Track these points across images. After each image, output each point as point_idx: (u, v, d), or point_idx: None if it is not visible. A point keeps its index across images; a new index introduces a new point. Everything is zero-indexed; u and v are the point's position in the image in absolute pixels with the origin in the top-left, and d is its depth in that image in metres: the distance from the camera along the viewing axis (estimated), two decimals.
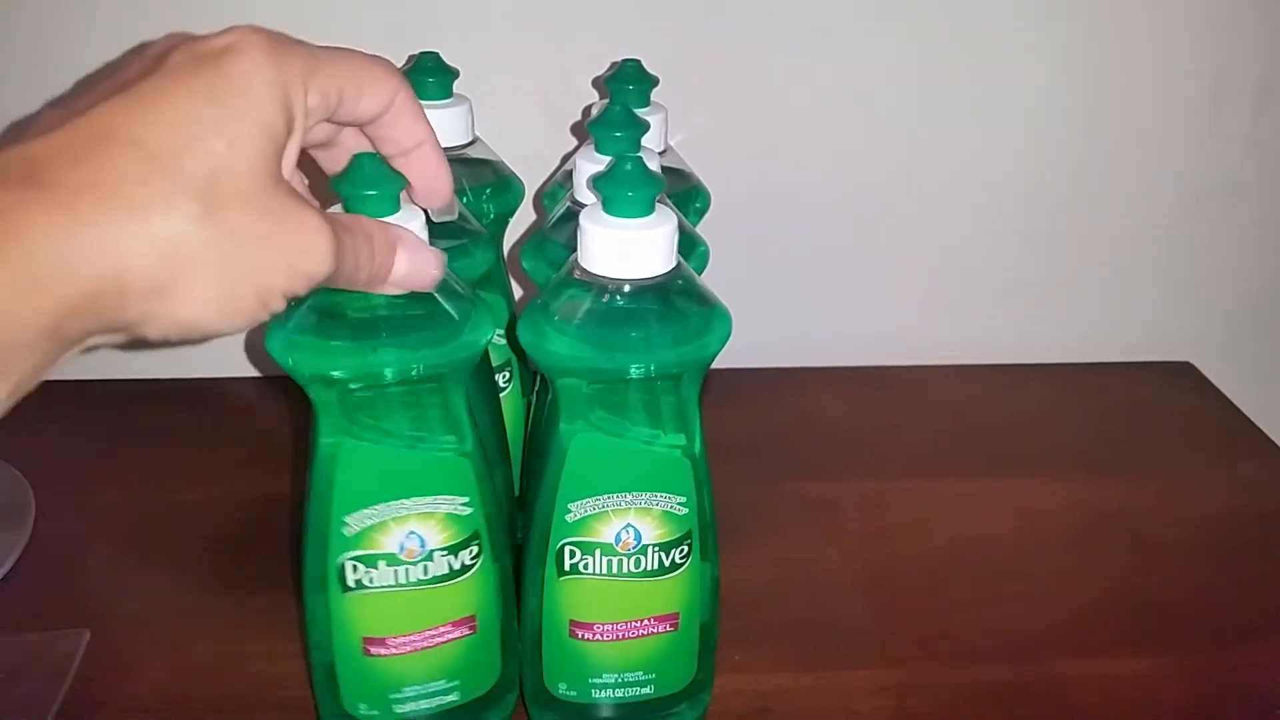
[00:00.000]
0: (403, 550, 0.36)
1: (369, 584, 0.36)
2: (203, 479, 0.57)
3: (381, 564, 0.36)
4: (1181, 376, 0.70)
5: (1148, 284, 0.71)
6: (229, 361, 0.66)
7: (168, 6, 0.54)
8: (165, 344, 0.26)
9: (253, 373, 0.67)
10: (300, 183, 0.31)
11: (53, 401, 0.62)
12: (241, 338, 0.65)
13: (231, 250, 0.25)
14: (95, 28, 0.56)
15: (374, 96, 0.30)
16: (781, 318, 0.67)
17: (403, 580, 0.36)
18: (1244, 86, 0.65)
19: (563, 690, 0.40)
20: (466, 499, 0.36)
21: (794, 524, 0.55)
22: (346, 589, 0.36)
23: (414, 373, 0.34)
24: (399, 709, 0.39)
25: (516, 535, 0.48)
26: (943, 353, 0.70)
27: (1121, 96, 0.65)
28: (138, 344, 0.26)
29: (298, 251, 0.27)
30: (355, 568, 0.36)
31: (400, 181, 0.33)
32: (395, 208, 0.33)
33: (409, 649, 0.37)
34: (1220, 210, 0.69)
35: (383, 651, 0.37)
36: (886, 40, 0.62)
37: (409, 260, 0.31)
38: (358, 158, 0.32)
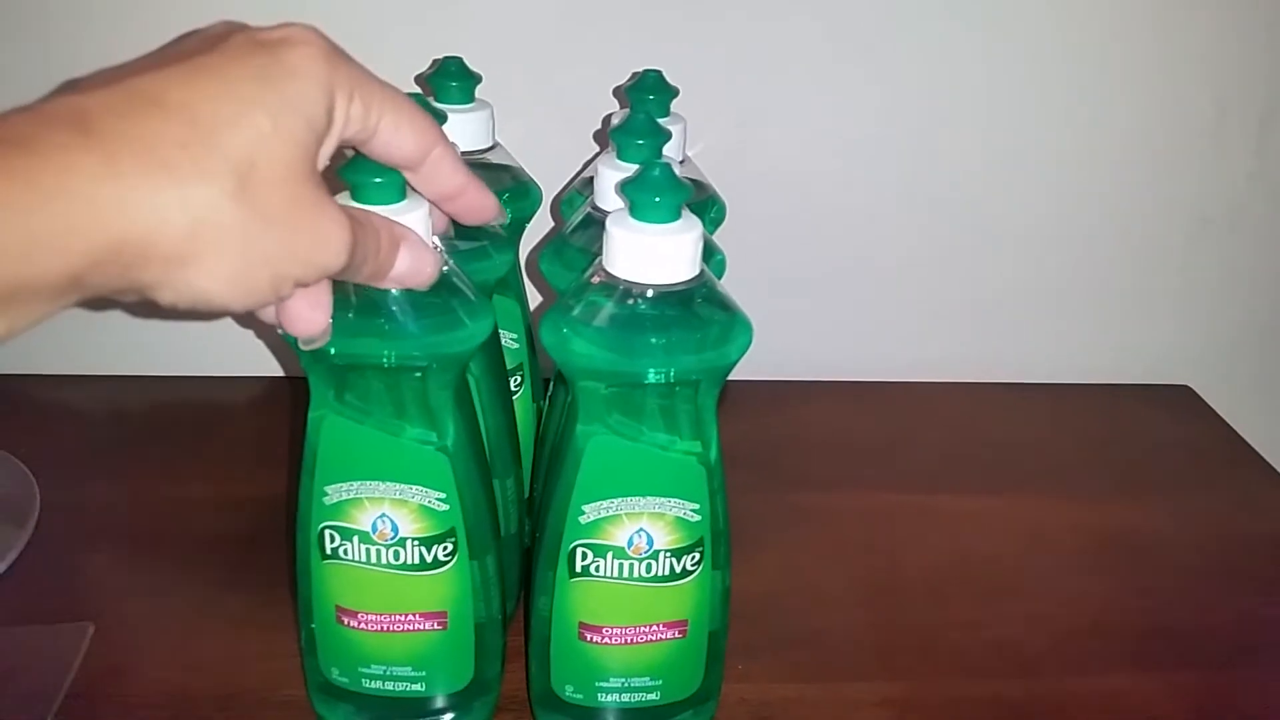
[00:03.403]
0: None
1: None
2: (207, 477, 0.57)
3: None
4: (1180, 399, 0.71)
5: (1148, 307, 0.71)
6: (237, 360, 0.66)
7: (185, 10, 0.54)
8: (173, 312, 0.26)
9: (261, 372, 0.67)
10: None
11: (59, 396, 0.63)
12: (252, 337, 0.65)
13: (258, 231, 0.26)
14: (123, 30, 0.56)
15: (412, 137, 0.31)
16: (790, 332, 0.68)
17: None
18: (1248, 111, 0.66)
19: (569, 693, 0.40)
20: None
21: (798, 535, 0.55)
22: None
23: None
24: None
25: (524, 540, 0.48)
26: (947, 371, 0.70)
27: (1126, 120, 0.65)
28: (146, 308, 0.26)
29: (318, 243, 0.27)
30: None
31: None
32: (401, 196, 0.33)
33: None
34: (1222, 234, 0.69)
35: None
36: (900, 64, 0.62)
37: (410, 259, 0.32)
38: None
